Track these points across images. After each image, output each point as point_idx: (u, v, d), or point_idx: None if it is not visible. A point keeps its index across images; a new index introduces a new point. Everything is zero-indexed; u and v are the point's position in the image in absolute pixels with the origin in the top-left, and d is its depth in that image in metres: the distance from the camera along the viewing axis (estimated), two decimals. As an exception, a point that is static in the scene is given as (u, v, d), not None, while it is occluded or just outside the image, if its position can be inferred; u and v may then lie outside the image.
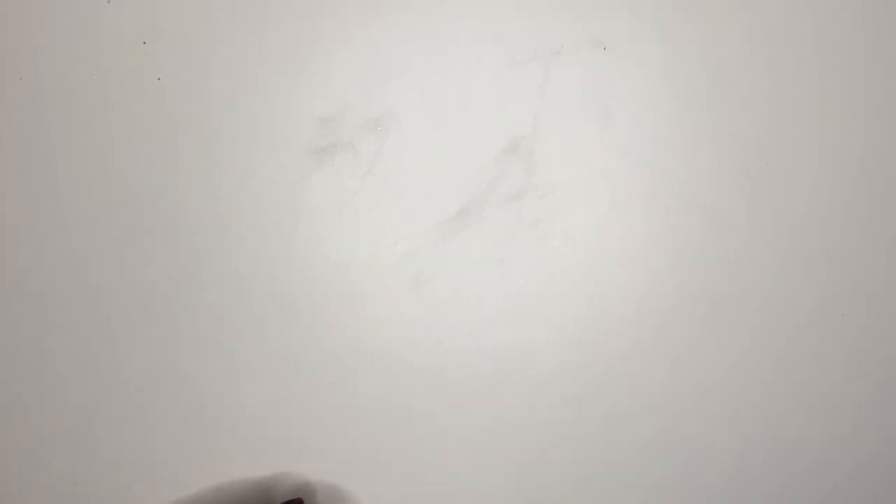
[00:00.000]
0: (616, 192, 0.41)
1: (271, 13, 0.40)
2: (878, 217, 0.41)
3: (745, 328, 0.41)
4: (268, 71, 0.40)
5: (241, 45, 0.40)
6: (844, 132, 0.41)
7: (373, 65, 0.40)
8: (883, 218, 0.41)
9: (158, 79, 0.40)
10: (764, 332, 0.41)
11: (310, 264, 0.41)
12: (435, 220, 0.41)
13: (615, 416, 0.42)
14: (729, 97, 0.41)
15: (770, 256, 0.41)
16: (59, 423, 0.41)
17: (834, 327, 0.41)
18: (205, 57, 0.40)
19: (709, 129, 0.41)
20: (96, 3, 0.40)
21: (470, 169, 0.41)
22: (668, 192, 0.41)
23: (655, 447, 0.43)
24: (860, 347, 0.42)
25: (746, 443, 0.43)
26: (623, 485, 0.43)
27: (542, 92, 0.41)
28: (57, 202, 0.41)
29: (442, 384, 0.41)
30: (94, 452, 0.41)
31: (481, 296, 0.41)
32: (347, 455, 0.41)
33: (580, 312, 0.41)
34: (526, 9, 0.40)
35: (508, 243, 0.41)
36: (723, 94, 0.41)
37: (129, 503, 0.41)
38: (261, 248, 0.41)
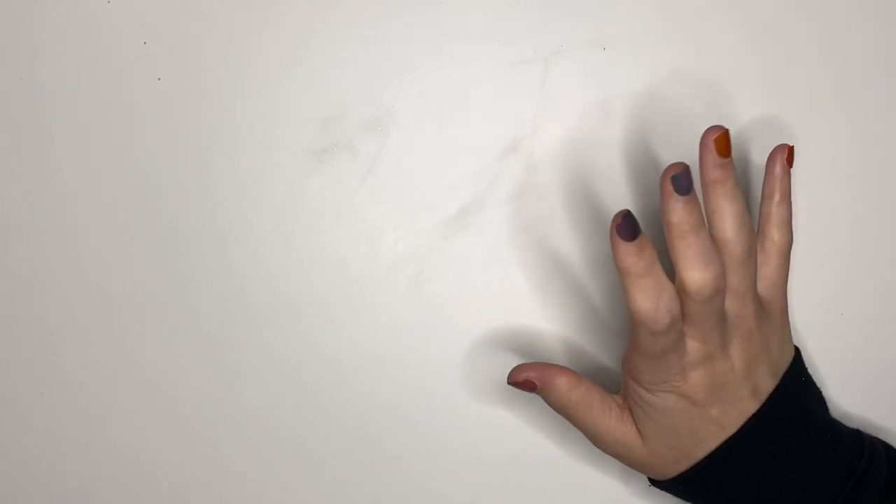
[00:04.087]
0: (616, 192, 0.41)
1: (271, 13, 0.40)
2: (878, 217, 0.42)
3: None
4: (268, 71, 0.40)
5: (241, 46, 0.40)
6: (844, 132, 0.41)
7: (373, 65, 0.40)
8: (883, 218, 0.42)
9: (158, 79, 0.40)
10: (764, 332, 0.41)
11: (309, 264, 0.41)
12: (435, 220, 0.41)
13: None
14: (729, 97, 0.41)
15: (770, 256, 0.41)
16: (59, 423, 0.41)
17: (834, 327, 0.41)
18: (205, 57, 0.40)
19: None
20: (96, 3, 0.40)
21: (470, 169, 0.41)
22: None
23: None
24: (860, 347, 0.42)
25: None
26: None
27: (542, 92, 0.41)
28: (56, 202, 0.41)
29: (442, 385, 0.41)
30: (94, 452, 0.41)
31: (481, 296, 0.41)
32: (347, 455, 0.41)
33: (580, 312, 0.41)
34: (526, 8, 0.40)
35: (508, 243, 0.41)
36: (722, 94, 0.41)
37: (128, 503, 0.41)
38: (260, 248, 0.41)
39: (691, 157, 0.41)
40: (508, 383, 0.37)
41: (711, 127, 0.34)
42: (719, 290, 0.33)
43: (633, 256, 0.32)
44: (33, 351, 0.41)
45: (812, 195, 0.41)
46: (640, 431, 0.36)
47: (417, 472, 0.41)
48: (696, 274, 0.32)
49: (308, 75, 0.40)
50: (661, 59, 0.41)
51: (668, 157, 0.41)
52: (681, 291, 0.33)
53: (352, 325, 0.41)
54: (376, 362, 0.41)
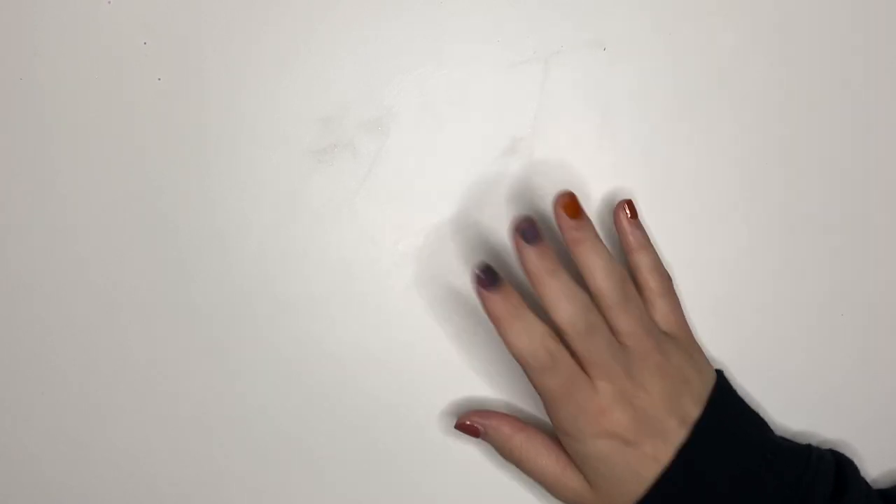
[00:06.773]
0: (616, 193, 0.41)
1: (271, 13, 0.40)
2: (878, 217, 0.42)
3: (745, 329, 0.41)
4: (268, 71, 0.40)
5: (241, 45, 0.40)
6: (844, 131, 0.41)
7: (373, 65, 0.40)
8: (883, 218, 0.42)
9: (158, 79, 0.40)
10: (764, 333, 0.41)
11: (310, 264, 0.41)
12: (435, 220, 0.41)
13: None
14: (729, 97, 0.41)
15: (770, 256, 0.41)
16: (59, 423, 0.41)
17: (834, 327, 0.41)
18: (205, 57, 0.40)
19: (709, 129, 0.41)
20: (96, 3, 0.40)
21: (470, 169, 0.41)
22: (668, 192, 0.41)
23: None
24: (860, 347, 0.42)
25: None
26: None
27: (541, 92, 0.41)
28: (56, 202, 0.41)
29: (442, 384, 0.41)
30: (94, 452, 0.41)
31: (481, 296, 0.41)
32: (347, 455, 0.41)
33: (580, 312, 0.41)
34: (526, 9, 0.40)
35: (508, 243, 0.41)
36: (723, 94, 0.41)
37: (128, 503, 0.41)
38: (260, 248, 0.41)
39: (691, 157, 0.41)
40: (455, 427, 0.39)
41: (559, 194, 0.36)
42: (593, 323, 0.35)
43: (501, 302, 0.34)
44: (33, 351, 0.41)
45: (813, 195, 0.41)
46: (588, 480, 0.36)
47: (417, 471, 0.41)
48: (561, 311, 0.35)
49: (308, 75, 0.40)
50: (661, 59, 0.41)
51: (668, 156, 0.41)
52: (560, 333, 0.35)
53: (352, 324, 0.41)
54: (376, 362, 0.41)
